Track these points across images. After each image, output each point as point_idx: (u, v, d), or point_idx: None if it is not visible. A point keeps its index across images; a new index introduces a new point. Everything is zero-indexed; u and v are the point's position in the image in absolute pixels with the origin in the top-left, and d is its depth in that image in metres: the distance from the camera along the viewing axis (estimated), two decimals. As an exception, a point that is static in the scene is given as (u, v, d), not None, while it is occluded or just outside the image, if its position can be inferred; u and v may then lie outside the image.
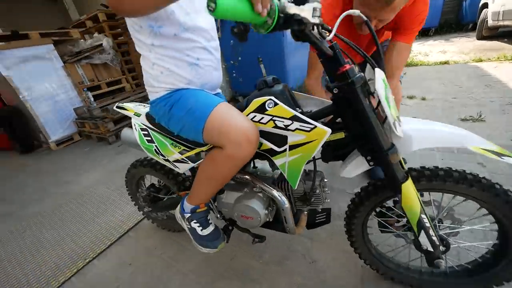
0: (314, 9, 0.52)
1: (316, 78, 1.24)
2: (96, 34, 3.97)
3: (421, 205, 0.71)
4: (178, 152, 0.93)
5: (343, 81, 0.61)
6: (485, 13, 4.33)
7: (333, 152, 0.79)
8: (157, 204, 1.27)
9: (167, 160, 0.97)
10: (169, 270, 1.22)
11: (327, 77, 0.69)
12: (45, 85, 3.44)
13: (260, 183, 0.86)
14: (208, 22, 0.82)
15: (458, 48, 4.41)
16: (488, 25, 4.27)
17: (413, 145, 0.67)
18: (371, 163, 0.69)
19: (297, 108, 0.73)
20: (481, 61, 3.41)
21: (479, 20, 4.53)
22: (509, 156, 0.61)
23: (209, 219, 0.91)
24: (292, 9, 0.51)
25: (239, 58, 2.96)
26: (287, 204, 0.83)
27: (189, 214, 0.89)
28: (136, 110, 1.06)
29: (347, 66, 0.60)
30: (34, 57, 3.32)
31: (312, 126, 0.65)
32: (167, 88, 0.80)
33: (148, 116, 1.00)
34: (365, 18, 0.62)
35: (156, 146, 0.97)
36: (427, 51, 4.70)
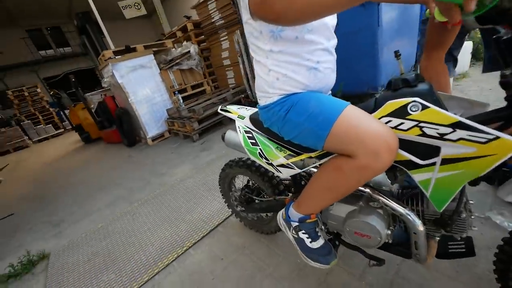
0: None
1: (438, 59, 1.00)
2: (184, 43, 4.50)
3: None
4: (284, 157, 0.90)
5: None
6: None
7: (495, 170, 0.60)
8: (251, 205, 1.29)
9: (271, 164, 0.95)
10: (261, 272, 1.23)
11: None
12: (146, 89, 4.10)
13: (384, 198, 0.74)
14: (332, 17, 0.75)
15: None
16: None
17: None
18: None
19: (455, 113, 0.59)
20: None
21: None
22: None
23: (318, 232, 0.85)
24: None
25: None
26: (421, 227, 0.69)
27: (297, 223, 0.85)
28: (240, 113, 1.09)
29: None
30: (140, 66, 4.00)
31: (491, 137, 0.50)
32: (281, 93, 0.77)
33: (253, 120, 1.00)
34: None
35: (260, 149, 0.97)
36: None
